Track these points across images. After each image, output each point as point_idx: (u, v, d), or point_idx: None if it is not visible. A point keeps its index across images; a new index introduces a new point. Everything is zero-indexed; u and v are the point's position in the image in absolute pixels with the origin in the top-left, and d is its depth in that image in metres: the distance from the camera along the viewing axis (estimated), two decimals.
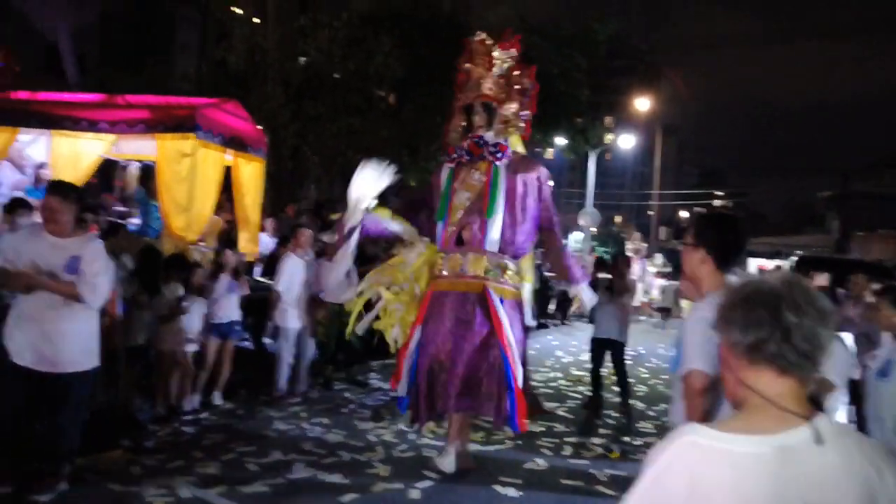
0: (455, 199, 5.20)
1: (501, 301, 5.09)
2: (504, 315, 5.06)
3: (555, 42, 21.06)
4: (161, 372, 6.61)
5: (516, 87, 5.34)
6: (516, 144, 5.66)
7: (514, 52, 5.45)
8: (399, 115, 16.93)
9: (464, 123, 5.51)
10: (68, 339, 4.39)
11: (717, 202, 57.83)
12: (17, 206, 6.40)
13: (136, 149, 8.97)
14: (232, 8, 17.12)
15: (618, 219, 55.84)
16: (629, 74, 53.67)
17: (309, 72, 15.09)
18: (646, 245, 24.64)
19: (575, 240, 31.50)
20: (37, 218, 6.75)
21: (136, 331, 6.29)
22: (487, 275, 5.17)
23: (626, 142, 31.34)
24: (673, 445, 1.40)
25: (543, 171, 5.33)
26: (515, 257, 5.39)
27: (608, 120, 51.38)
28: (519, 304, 5.35)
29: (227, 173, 9.02)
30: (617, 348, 7.81)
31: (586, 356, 8.85)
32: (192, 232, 7.94)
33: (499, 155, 5.22)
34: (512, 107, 5.29)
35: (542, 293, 16.59)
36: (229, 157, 8.83)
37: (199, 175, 7.88)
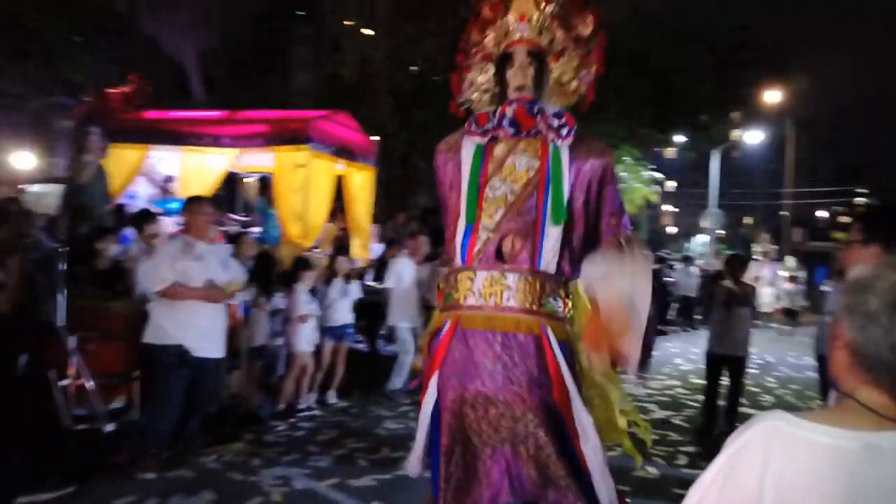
0: (489, 191, 3.04)
1: (562, 348, 2.91)
2: (569, 377, 2.90)
3: (673, 36, 20.45)
4: (287, 371, 7.00)
5: (573, 33, 3.25)
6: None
7: None
8: None
9: (488, 85, 3.35)
10: (218, 327, 5.23)
11: (858, 200, 54.10)
12: (145, 217, 6.85)
13: (256, 161, 9.43)
14: (344, 21, 17.69)
15: (747, 220, 53.36)
16: (757, 67, 51.28)
17: (417, 81, 15.37)
18: (775, 247, 23.39)
19: (699, 243, 30.32)
20: (164, 228, 7.25)
21: (256, 332, 6.64)
22: (543, 307, 2.96)
23: (753, 138, 29.88)
24: (754, 426, 1.39)
25: (612, 157, 3.21)
26: (572, 279, 3.13)
27: (735, 115, 49.28)
28: (571, 349, 3.01)
29: (340, 182, 9.32)
30: (735, 365, 6.98)
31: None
32: (308, 239, 8.26)
33: (564, 131, 3.08)
34: (572, 63, 3.21)
35: (661, 297, 16.12)
36: (341, 166, 9.12)
37: (312, 184, 8.19)
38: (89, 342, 5.56)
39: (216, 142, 8.67)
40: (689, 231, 48.21)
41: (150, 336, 5.07)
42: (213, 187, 9.32)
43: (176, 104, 10.23)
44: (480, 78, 3.33)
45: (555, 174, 3.05)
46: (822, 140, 67.26)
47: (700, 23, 21.04)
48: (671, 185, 56.27)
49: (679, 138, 23.08)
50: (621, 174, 20.95)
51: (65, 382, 5.23)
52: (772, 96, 30.71)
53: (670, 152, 30.58)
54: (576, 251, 3.05)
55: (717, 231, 25.41)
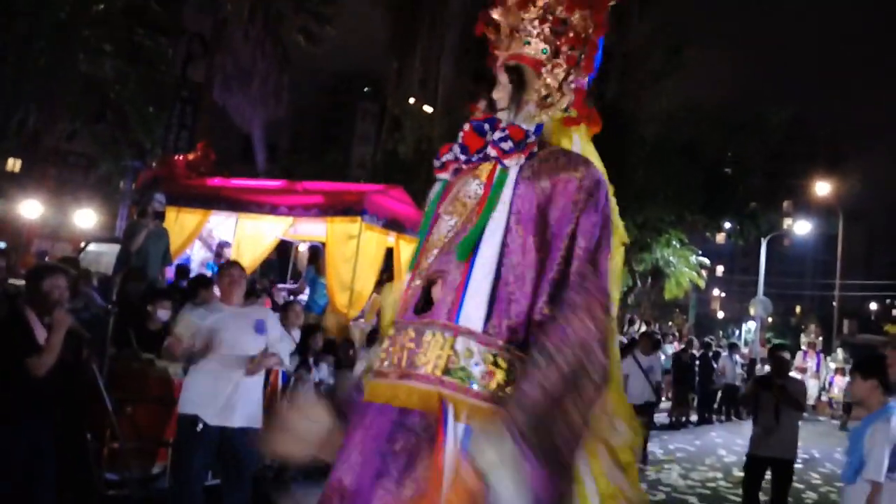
0: (435, 230, 2.42)
1: (468, 436, 2.02)
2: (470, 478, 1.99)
3: (725, 128, 20.67)
4: None
5: (571, 34, 2.66)
6: (559, 135, 2.80)
7: None
8: None
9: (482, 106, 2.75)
10: (244, 395, 4.84)
11: None
12: (200, 283, 7.04)
13: (308, 230, 9.71)
14: (407, 100, 18.32)
15: (797, 309, 52.18)
16: (809, 159, 51.02)
17: None
18: (820, 339, 22.81)
19: (747, 330, 29.71)
20: (216, 293, 7.47)
21: None
22: (450, 376, 2.13)
23: (802, 228, 29.59)
24: None
25: (592, 175, 2.34)
26: (525, 343, 2.15)
27: (786, 204, 48.85)
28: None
29: (390, 253, 9.52)
30: (782, 468, 6.32)
31: None
32: (354, 309, 8.41)
33: (506, 145, 2.41)
34: (558, 71, 2.62)
35: (704, 384, 15.79)
36: (391, 238, 9.33)
37: (362, 255, 8.39)
38: (127, 404, 5.51)
39: (273, 210, 8.97)
40: (737, 317, 47.32)
41: (179, 404, 4.92)
42: (265, 253, 9.62)
43: (239, 171, 10.67)
44: (479, 114, 2.74)
45: (490, 200, 2.37)
46: (876, 233, 65.98)
47: (754, 115, 21.23)
48: (720, 270, 55.67)
49: (728, 225, 23.04)
50: (669, 258, 20.89)
51: (101, 446, 5.23)
52: (822, 188, 30.53)
53: (720, 238, 30.39)
54: (523, 304, 2.22)
55: (766, 318, 24.92)
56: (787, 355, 7.03)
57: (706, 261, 23.87)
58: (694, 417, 15.71)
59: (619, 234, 2.52)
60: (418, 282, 2.32)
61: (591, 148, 2.69)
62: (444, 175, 2.56)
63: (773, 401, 6.28)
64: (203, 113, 17.50)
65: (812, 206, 37.97)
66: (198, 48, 18.62)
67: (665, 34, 21.99)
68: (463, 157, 2.50)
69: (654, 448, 10.78)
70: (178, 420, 4.88)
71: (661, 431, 13.43)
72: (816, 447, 12.00)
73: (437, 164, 2.57)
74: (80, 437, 5.08)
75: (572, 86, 2.62)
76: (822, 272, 54.95)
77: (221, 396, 4.75)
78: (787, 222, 32.34)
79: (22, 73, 11.10)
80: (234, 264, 5.35)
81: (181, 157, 10.11)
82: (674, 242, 20.32)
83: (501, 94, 2.52)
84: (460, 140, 2.51)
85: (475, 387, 2.08)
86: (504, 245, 2.25)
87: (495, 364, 2.11)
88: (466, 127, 2.52)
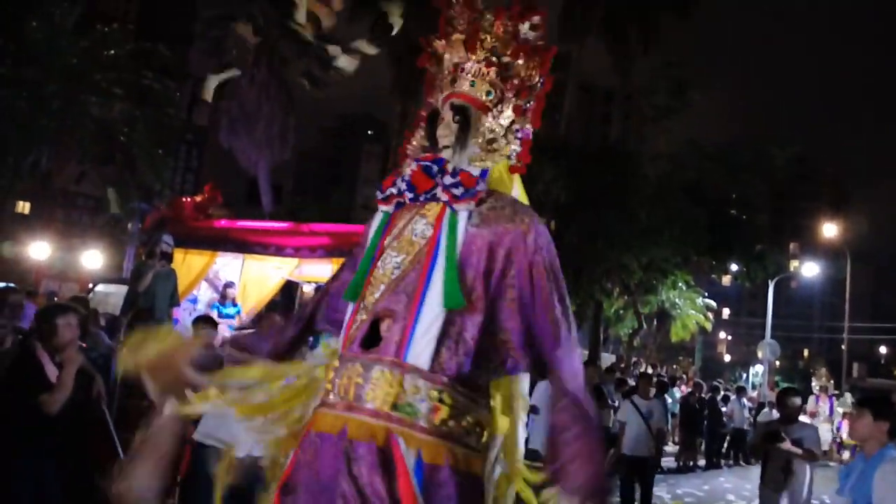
0: (380, 265, 2.50)
1: (419, 467, 2.20)
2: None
3: (730, 168, 20.78)
4: None
5: (515, 81, 2.72)
6: (502, 181, 2.86)
7: (528, 23, 2.72)
8: (561, 239, 17.17)
9: (424, 143, 2.81)
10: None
11: None
12: (201, 321, 7.06)
13: (314, 271, 9.73)
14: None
15: (805, 352, 51.77)
16: (814, 199, 51.18)
17: None
18: (832, 382, 22.61)
19: (754, 373, 29.47)
20: (220, 334, 7.47)
21: None
22: (398, 411, 2.28)
23: (809, 270, 29.53)
24: None
25: (540, 228, 2.52)
26: (470, 381, 2.33)
27: (793, 246, 48.84)
28: (471, 482, 2.29)
29: None
30: None
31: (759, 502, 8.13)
32: None
33: (458, 191, 2.53)
34: (504, 115, 2.70)
35: (713, 429, 15.61)
36: None
37: None
38: (135, 442, 5.61)
39: (279, 252, 9.00)
40: (745, 360, 46.94)
41: (198, 433, 5.08)
42: (270, 294, 9.63)
43: (245, 212, 10.74)
44: (415, 142, 2.82)
45: (448, 245, 2.42)
46: (882, 274, 65.78)
47: (757, 155, 21.36)
48: (727, 312, 55.38)
49: (734, 266, 23.00)
50: (675, 301, 20.83)
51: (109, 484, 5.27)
52: (829, 230, 30.54)
53: (726, 280, 30.32)
54: (470, 345, 2.31)
55: (774, 361, 24.73)
56: (797, 400, 6.64)
57: (713, 303, 23.79)
58: (702, 462, 15.50)
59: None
60: (364, 316, 2.38)
61: (522, 189, 2.79)
62: (386, 207, 2.62)
63: (783, 454, 5.95)
64: (208, 155, 17.72)
65: (819, 248, 37.96)
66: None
67: (668, 75, 22.27)
68: (409, 195, 2.55)
69: (661, 493, 10.62)
70: (193, 451, 4.92)
71: (669, 476, 13.24)
72: (827, 493, 11.79)
73: (379, 195, 2.64)
74: (88, 476, 5.09)
75: (519, 135, 2.68)
76: (830, 315, 54.69)
77: (234, 429, 4.84)
78: (794, 264, 32.27)
79: (35, 116, 11.29)
80: (274, 312, 5.43)
81: (189, 199, 10.19)
82: (680, 284, 20.26)
83: (445, 132, 2.57)
84: (408, 177, 2.56)
85: (422, 422, 2.20)
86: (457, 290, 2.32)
87: (440, 400, 2.23)
88: (414, 166, 2.57)
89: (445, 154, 2.56)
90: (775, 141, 23.59)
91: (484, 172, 2.61)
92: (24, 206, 22.40)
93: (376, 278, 2.45)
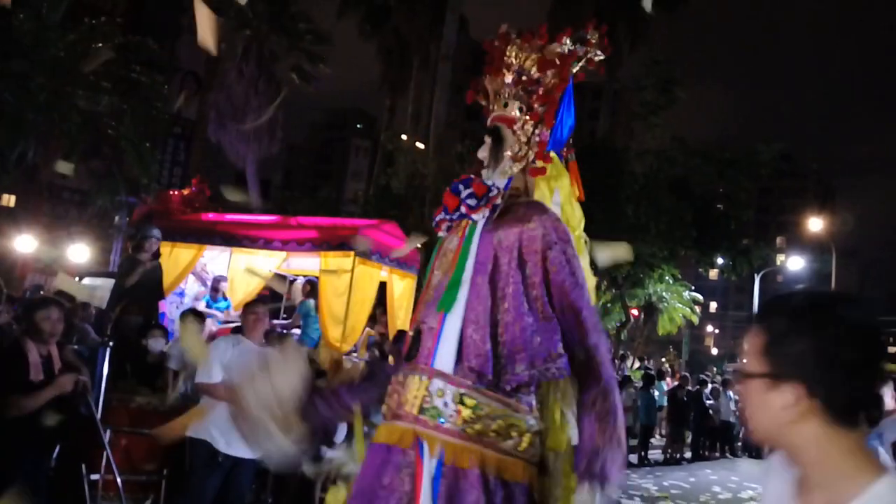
0: (429, 285, 2.67)
1: (440, 469, 2.25)
2: None
3: (717, 164, 20.91)
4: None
5: (541, 91, 2.86)
6: (538, 188, 2.94)
7: (541, 42, 2.88)
8: None
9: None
10: None
11: None
12: (189, 315, 7.06)
13: (302, 265, 9.74)
14: (399, 136, 18.56)
15: None
16: (800, 195, 51.50)
17: None
18: None
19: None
20: (207, 328, 7.48)
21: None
22: (423, 414, 2.34)
23: (794, 264, 29.77)
24: None
25: (548, 224, 2.54)
26: (499, 384, 2.31)
27: (779, 241, 49.18)
28: (510, 489, 2.23)
29: (383, 288, 9.55)
30: None
31: (746, 493, 8.25)
32: (347, 343, 8.41)
33: (472, 201, 2.64)
34: (527, 126, 2.81)
35: (699, 421, 15.73)
36: (384, 273, 9.37)
37: (355, 290, 8.42)
38: (122, 437, 5.56)
39: (267, 245, 9.00)
40: (731, 354, 47.22)
41: (190, 429, 5.13)
42: (258, 288, 9.63)
43: (232, 207, 10.72)
44: (483, 173, 2.93)
45: (462, 254, 2.55)
46: (868, 269, 66.33)
47: (745, 150, 21.53)
48: (714, 306, 55.69)
49: (721, 261, 23.18)
50: (662, 294, 20.97)
51: (95, 477, 5.24)
52: (815, 224, 30.80)
53: (713, 274, 30.50)
54: (487, 347, 2.33)
55: None
56: None
57: (699, 296, 23.95)
58: (688, 454, 15.63)
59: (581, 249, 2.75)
60: (411, 332, 2.55)
61: (567, 194, 2.94)
62: (440, 233, 2.79)
63: None
64: (196, 149, 17.65)
65: (805, 243, 38.25)
66: (191, 85, 18.84)
67: (656, 72, 22.37)
68: (448, 217, 2.72)
69: (648, 484, 10.72)
70: (191, 444, 5.00)
71: (656, 468, 13.36)
72: None
73: (433, 223, 2.82)
74: (75, 470, 5.10)
75: (537, 139, 2.81)
76: None
77: (224, 425, 4.86)
78: (780, 258, 32.47)
79: (22, 109, 11.22)
80: (259, 303, 5.52)
81: (176, 193, 10.17)
82: (667, 278, 20.40)
83: (485, 154, 2.78)
84: (443, 201, 2.74)
85: (445, 423, 2.27)
86: (473, 295, 2.44)
87: (462, 402, 2.29)
88: (447, 189, 2.76)
89: (484, 173, 2.74)
90: (762, 137, 23.78)
91: (508, 181, 2.72)
92: (9, 200, 22.25)
93: (424, 297, 2.62)
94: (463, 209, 2.63)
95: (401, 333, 8.12)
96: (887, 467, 1.28)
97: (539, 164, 2.77)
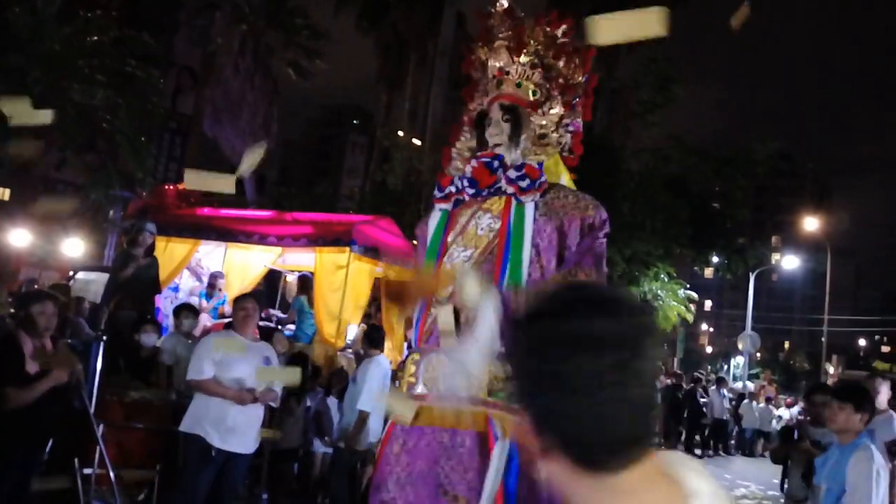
0: (446, 261, 2.60)
1: (513, 454, 2.21)
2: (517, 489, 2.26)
3: (713, 162, 20.93)
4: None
5: (560, 80, 2.86)
6: (557, 173, 3.03)
7: (562, 29, 2.92)
8: None
9: (472, 143, 2.98)
10: (249, 422, 5.14)
11: None
12: (183, 310, 7.07)
13: (297, 260, 9.73)
14: (396, 132, 18.53)
15: (786, 344, 52.29)
16: (796, 194, 51.60)
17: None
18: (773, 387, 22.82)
19: (735, 365, 29.76)
20: (201, 323, 7.47)
21: (288, 434, 6.63)
22: (493, 397, 2.37)
23: (789, 263, 29.84)
24: None
25: (603, 215, 2.69)
26: None
27: (774, 240, 49.25)
28: None
29: (378, 284, 9.54)
30: None
31: (739, 491, 8.28)
32: (341, 339, 8.41)
33: (524, 183, 2.63)
34: (553, 112, 2.81)
35: (693, 418, 15.77)
36: (380, 269, 9.36)
37: (350, 285, 8.41)
38: (115, 431, 5.56)
39: (262, 240, 8.99)
40: (726, 352, 47.37)
41: (184, 424, 5.12)
42: (253, 283, 9.62)
43: (228, 202, 10.69)
44: (461, 144, 3.01)
45: (515, 234, 2.54)
46: (863, 268, 66.50)
47: (741, 149, 21.55)
48: (709, 304, 55.80)
49: (716, 259, 23.23)
50: (657, 292, 21.01)
51: (88, 471, 5.23)
52: (811, 224, 30.88)
53: (708, 272, 30.56)
54: None
55: (754, 353, 24.99)
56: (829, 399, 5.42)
57: (694, 295, 23.99)
58: (682, 452, 15.65)
59: None
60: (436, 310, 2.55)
61: (569, 179, 3.02)
62: (444, 205, 2.79)
63: (804, 466, 5.17)
64: (192, 144, 17.61)
65: (800, 242, 38.31)
66: (187, 80, 18.78)
67: (654, 70, 22.35)
68: (471, 191, 2.73)
69: None
70: (184, 439, 5.05)
71: None
72: None
73: (438, 194, 2.81)
74: (68, 464, 5.10)
75: (570, 128, 2.90)
76: (811, 307, 55.24)
77: (227, 421, 5.01)
78: (775, 257, 32.55)
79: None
80: (249, 298, 5.51)
81: (171, 187, 10.14)
82: (662, 276, 20.43)
83: (496, 131, 2.78)
84: (469, 174, 2.74)
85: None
86: (531, 278, 2.51)
87: None
88: (475, 163, 2.76)
89: (499, 151, 2.77)
90: (759, 136, 23.77)
91: (540, 165, 2.78)
92: (3, 193, 22.18)
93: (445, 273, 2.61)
94: (511, 189, 2.65)
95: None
96: None
97: (572, 153, 2.90)
